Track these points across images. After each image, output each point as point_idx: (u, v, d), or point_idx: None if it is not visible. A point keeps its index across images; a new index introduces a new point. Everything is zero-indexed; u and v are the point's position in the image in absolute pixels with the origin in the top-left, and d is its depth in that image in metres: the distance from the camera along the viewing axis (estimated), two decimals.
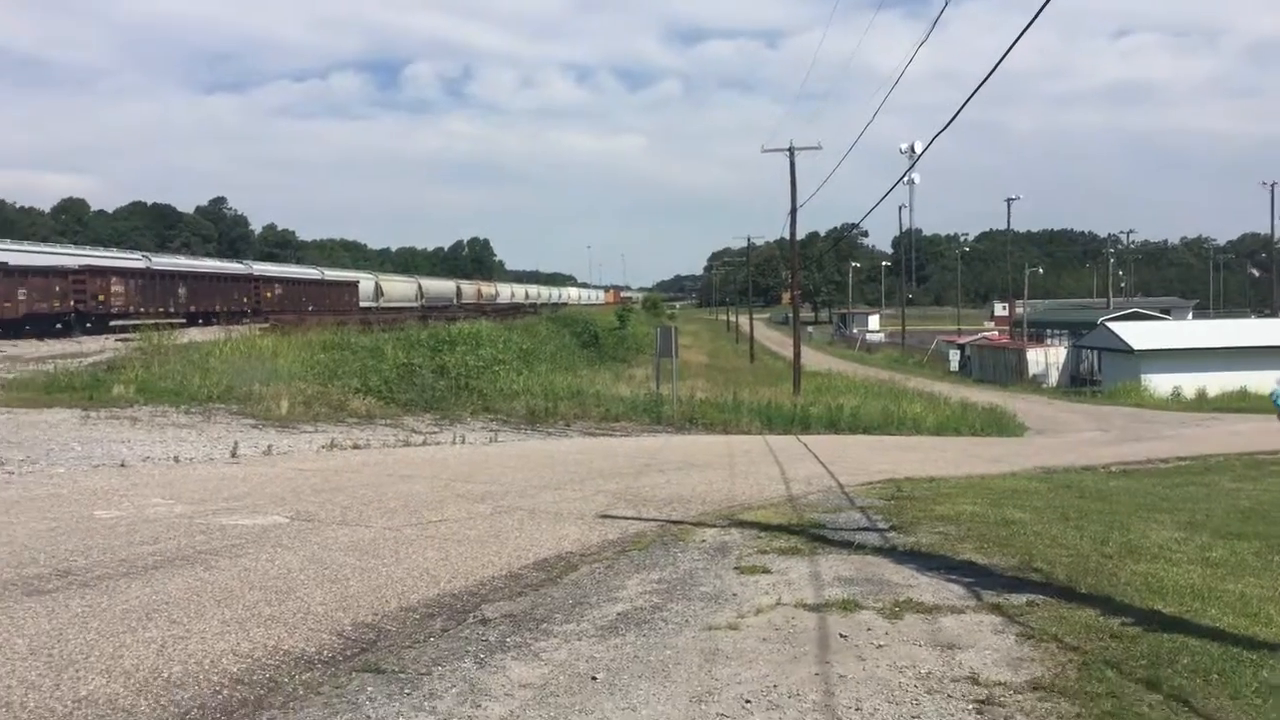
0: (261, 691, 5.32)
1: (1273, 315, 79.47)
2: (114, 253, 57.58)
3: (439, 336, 36.41)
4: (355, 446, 16.63)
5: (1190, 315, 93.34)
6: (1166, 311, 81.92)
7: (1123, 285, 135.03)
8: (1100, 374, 55.82)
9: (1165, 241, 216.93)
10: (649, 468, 15.31)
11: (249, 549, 8.51)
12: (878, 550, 9.00)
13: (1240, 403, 45.11)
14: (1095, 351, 57.45)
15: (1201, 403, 46.55)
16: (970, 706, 5.14)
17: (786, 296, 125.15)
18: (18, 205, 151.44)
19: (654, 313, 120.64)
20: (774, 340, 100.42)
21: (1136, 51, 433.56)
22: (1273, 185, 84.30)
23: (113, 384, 22.08)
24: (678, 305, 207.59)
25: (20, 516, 9.49)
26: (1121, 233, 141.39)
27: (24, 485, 11.37)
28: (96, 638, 6.02)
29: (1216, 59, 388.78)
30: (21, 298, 35.38)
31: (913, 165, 49.68)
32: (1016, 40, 11.42)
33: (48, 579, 7.27)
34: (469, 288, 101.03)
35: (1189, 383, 49.25)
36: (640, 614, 6.91)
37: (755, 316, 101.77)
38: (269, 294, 54.02)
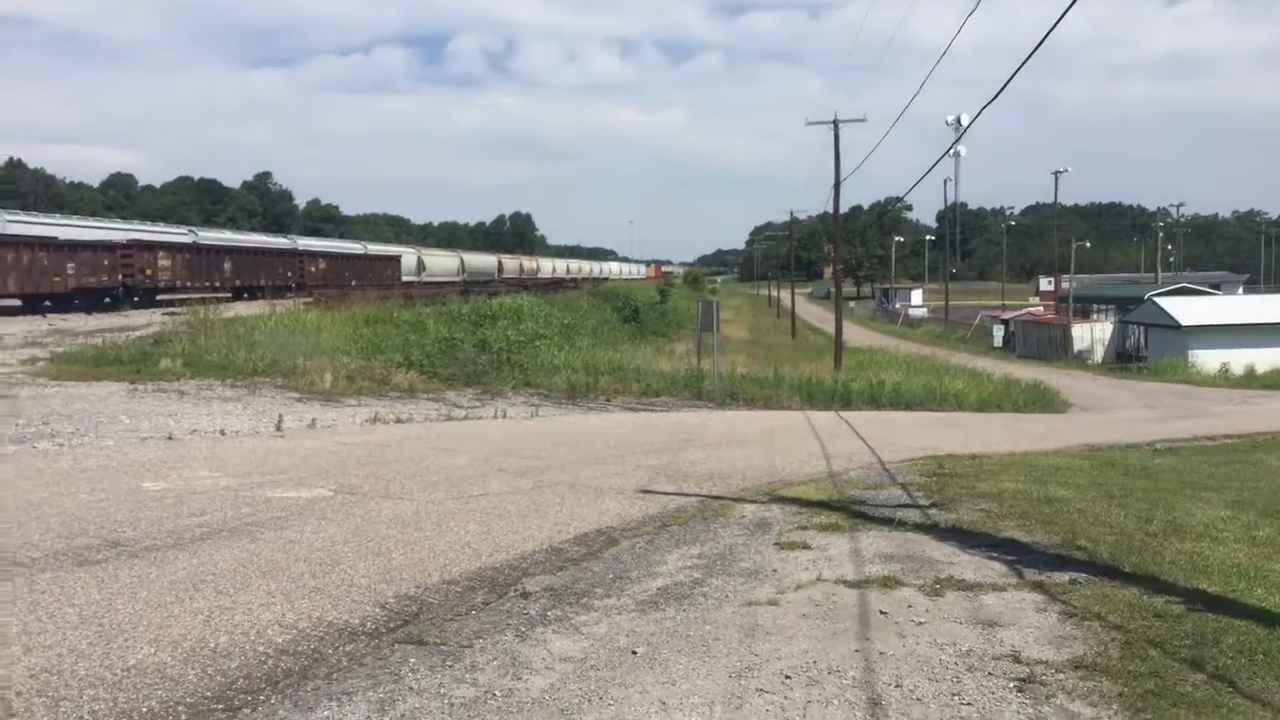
0: (306, 662, 5.40)
1: None
2: (161, 227, 58.22)
3: (480, 311, 36.55)
4: (398, 420, 16.76)
5: (1241, 290, 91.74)
6: (1216, 286, 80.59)
7: (1172, 259, 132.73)
8: (1147, 350, 55.03)
9: (1216, 215, 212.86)
10: (689, 443, 15.31)
11: (294, 521, 8.62)
12: (919, 527, 8.97)
13: None
14: (1142, 327, 56.62)
15: (1250, 379, 45.82)
16: (1011, 684, 5.12)
17: (829, 271, 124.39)
18: (67, 180, 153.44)
19: (695, 287, 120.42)
20: (815, 315, 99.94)
21: (1190, 20, 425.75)
22: None
23: (160, 357, 22.37)
24: (719, 280, 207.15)
25: (71, 488, 9.65)
26: (1171, 206, 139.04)
27: (74, 457, 11.55)
28: (145, 608, 6.13)
29: (1272, 26, 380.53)
30: (71, 272, 35.86)
31: (959, 138, 49.18)
32: (1066, 10, 11.24)
33: (97, 549, 7.40)
34: (510, 262, 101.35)
35: (1237, 359, 48.50)
36: (680, 589, 6.94)
37: (797, 291, 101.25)
38: (313, 268, 54.41)
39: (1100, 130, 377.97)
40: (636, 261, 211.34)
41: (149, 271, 39.73)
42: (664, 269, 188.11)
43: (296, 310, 35.61)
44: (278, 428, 14.84)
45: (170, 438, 13.40)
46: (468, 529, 8.60)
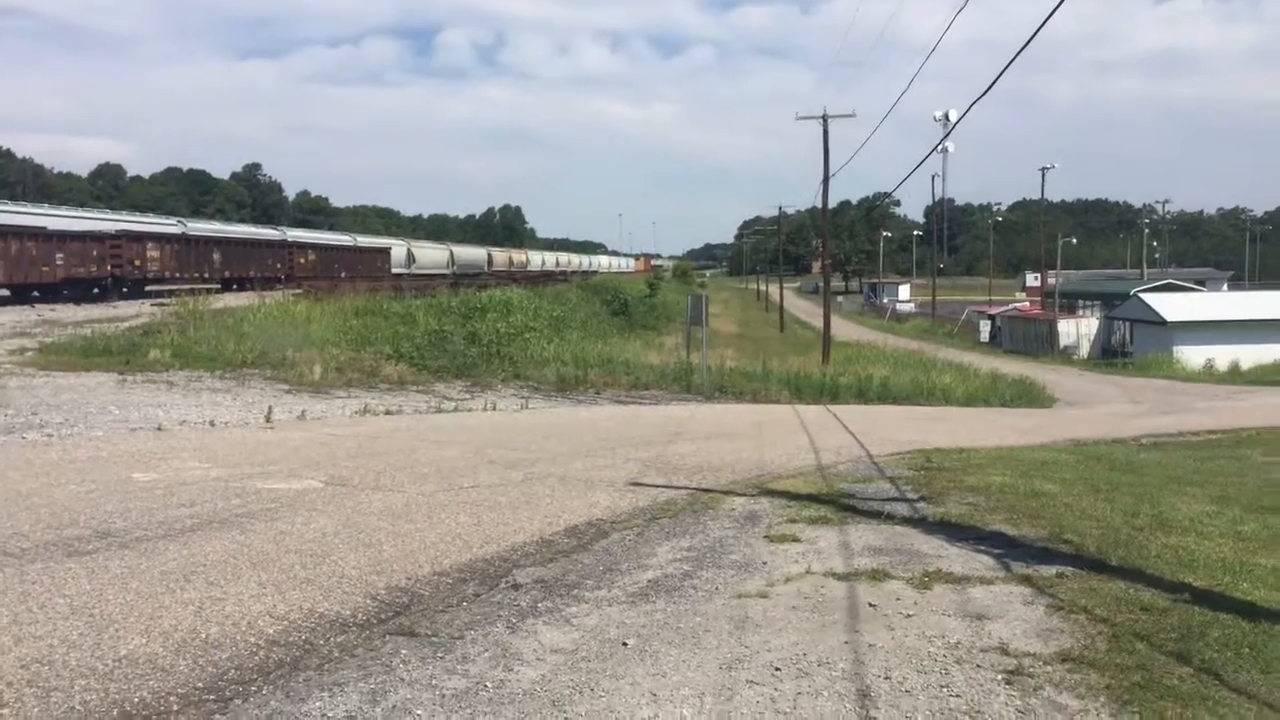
0: (297, 653, 5.41)
1: None
2: (150, 218, 58.03)
3: (470, 303, 36.55)
4: (388, 412, 16.74)
5: (1225, 287, 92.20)
6: (1201, 283, 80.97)
7: (1157, 256, 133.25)
8: (1132, 345, 55.26)
9: (1201, 212, 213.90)
10: (679, 436, 15.34)
11: (284, 513, 8.61)
12: (907, 520, 9.01)
13: (1274, 375, 44.66)
14: (1127, 323, 56.84)
15: (1234, 375, 46.08)
16: (999, 677, 5.16)
17: (817, 266, 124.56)
18: (56, 170, 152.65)
19: (684, 281, 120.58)
20: (804, 310, 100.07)
21: (1178, 18, 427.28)
22: None
23: (149, 348, 22.32)
24: (708, 274, 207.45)
25: (60, 478, 9.63)
26: (1157, 202, 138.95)
27: (64, 448, 11.53)
28: (135, 598, 6.13)
29: (1259, 25, 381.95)
30: (59, 262, 35.76)
31: (947, 134, 49.20)
32: (1055, 9, 11.27)
33: (88, 540, 7.39)
34: (500, 255, 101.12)
35: (1222, 355, 48.74)
36: (671, 581, 6.96)
37: (785, 286, 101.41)
38: (302, 260, 54.28)
39: (1088, 127, 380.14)
40: (626, 255, 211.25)
41: (137, 262, 39.64)
42: (653, 262, 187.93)
43: (286, 302, 35.49)
44: (267, 419, 14.81)
45: (159, 428, 13.37)
46: (458, 521, 8.61)
